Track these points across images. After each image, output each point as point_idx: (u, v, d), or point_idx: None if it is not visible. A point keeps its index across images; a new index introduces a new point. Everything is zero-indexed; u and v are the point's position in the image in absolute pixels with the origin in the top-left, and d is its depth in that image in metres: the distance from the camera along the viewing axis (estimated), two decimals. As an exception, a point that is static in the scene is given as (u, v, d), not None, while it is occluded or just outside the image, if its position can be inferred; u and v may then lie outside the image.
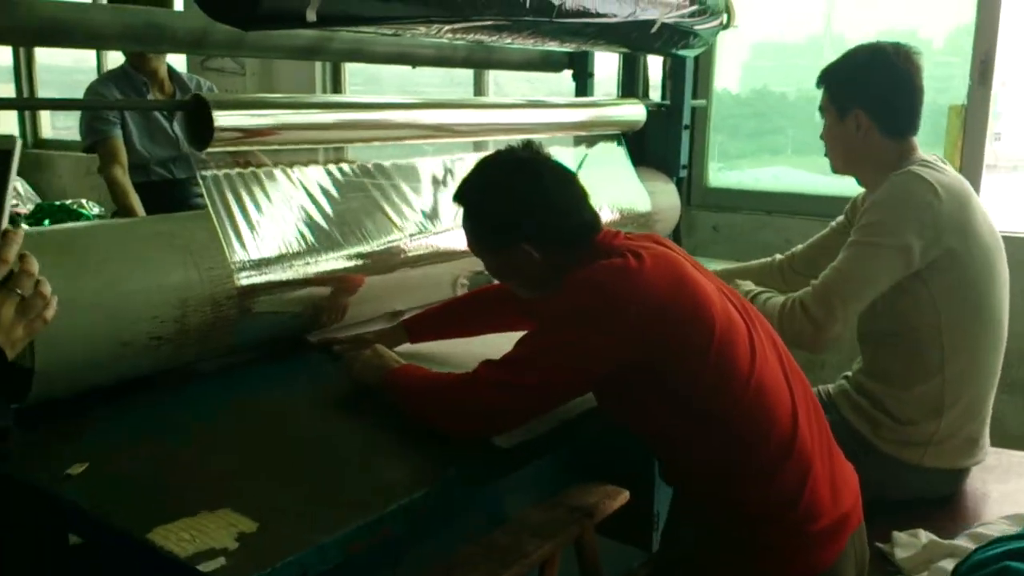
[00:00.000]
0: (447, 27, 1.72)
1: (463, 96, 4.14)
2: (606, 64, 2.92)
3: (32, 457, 1.27)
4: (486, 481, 1.38)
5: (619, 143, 2.61)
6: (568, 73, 2.86)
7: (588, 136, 2.53)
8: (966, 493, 1.85)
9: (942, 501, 1.81)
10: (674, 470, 1.44)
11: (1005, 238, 1.87)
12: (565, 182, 1.45)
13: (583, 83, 2.84)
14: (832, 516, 1.30)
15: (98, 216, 4.42)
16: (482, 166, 1.47)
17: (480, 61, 2.56)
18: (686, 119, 2.71)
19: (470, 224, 1.46)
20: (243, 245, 1.57)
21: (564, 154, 2.48)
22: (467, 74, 4.07)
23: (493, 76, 3.93)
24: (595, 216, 1.46)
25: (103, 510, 1.12)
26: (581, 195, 1.46)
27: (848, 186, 2.11)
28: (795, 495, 1.28)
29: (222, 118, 1.50)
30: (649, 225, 2.59)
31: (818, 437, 1.35)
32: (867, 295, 1.75)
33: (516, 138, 2.28)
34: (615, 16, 2.04)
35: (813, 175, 3.51)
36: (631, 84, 2.79)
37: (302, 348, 1.77)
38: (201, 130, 1.52)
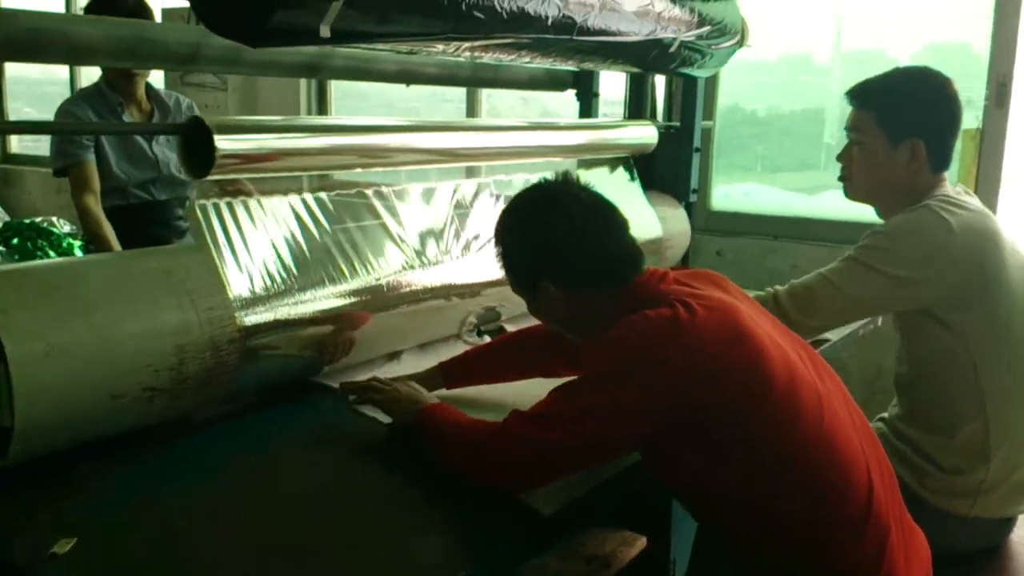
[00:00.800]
0: (466, 45, 1.60)
1: (454, 113, 4.02)
2: (610, 84, 2.81)
3: (10, 530, 1.12)
4: (532, 555, 1.25)
5: (628, 166, 2.50)
6: (564, 91, 2.77)
7: (597, 159, 2.41)
8: (1011, 543, 1.74)
9: (986, 553, 1.71)
10: (736, 539, 1.31)
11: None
12: (596, 216, 1.33)
13: (588, 103, 2.73)
14: None
15: (69, 235, 4.22)
16: (512, 201, 1.38)
17: (486, 80, 2.43)
18: (697, 141, 2.60)
19: (500, 262, 1.38)
20: (245, 281, 1.43)
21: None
22: (458, 91, 3.95)
23: (486, 93, 3.81)
24: (633, 253, 1.33)
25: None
26: (616, 230, 1.34)
27: (849, 211, 2.03)
28: (874, 566, 1.16)
29: (224, 143, 1.36)
30: (660, 252, 2.48)
31: (892, 498, 1.24)
32: (848, 311, 1.74)
33: (527, 162, 2.18)
34: (635, 35, 1.93)
35: (785, 192, 3.49)
36: (639, 105, 2.68)
37: (304, 389, 1.62)
38: (199, 155, 1.38)
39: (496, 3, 1.51)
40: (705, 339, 1.15)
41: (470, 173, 2.16)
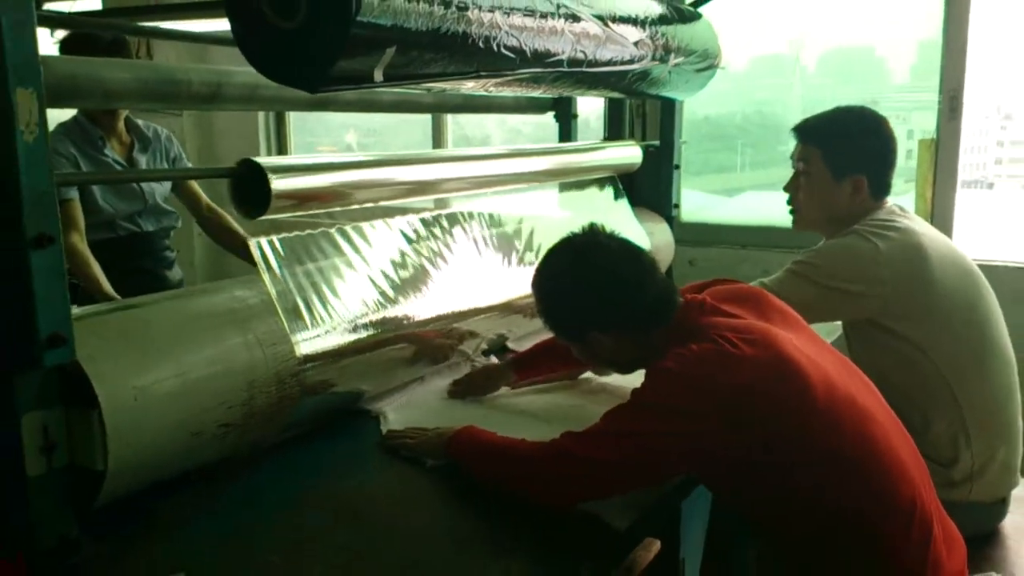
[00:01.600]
0: (492, 80, 1.68)
1: (419, 135, 4.08)
2: (584, 103, 2.92)
3: (114, 570, 1.15)
4: (612, 569, 1.32)
5: (615, 185, 2.60)
6: (545, 113, 2.88)
7: (587, 180, 2.51)
8: (1005, 528, 1.88)
9: (984, 539, 1.84)
10: (793, 541, 1.39)
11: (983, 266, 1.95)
12: (629, 262, 1.42)
13: (567, 125, 2.84)
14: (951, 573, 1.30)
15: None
16: (545, 260, 1.47)
17: (478, 107, 2.52)
18: (676, 159, 2.73)
19: (544, 316, 1.47)
20: (301, 316, 1.47)
21: (563, 198, 2.46)
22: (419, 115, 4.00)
23: (451, 117, 3.87)
24: (669, 290, 1.43)
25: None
26: (650, 271, 1.43)
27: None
28: (921, 558, 1.27)
29: (279, 183, 1.40)
30: (648, 266, 2.59)
31: (930, 493, 1.35)
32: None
33: (521, 187, 2.26)
34: (634, 64, 2.04)
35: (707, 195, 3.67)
36: (618, 126, 2.79)
37: (350, 415, 1.67)
38: (252, 196, 1.42)
39: (521, 43, 1.60)
40: (747, 371, 1.24)
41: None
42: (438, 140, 3.85)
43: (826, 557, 1.33)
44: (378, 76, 1.38)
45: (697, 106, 3.61)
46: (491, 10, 1.50)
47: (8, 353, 1.11)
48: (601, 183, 2.55)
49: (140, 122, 2.79)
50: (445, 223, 1.94)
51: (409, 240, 1.80)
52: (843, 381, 1.33)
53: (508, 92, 2.00)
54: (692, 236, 3.38)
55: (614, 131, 2.80)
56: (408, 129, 4.42)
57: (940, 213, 2.77)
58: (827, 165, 1.91)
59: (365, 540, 1.24)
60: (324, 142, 4.87)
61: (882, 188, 1.92)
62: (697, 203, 3.63)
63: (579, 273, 1.40)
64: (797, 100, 3.54)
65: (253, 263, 2.52)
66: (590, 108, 3.01)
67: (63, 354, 1.12)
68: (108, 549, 1.19)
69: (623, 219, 2.55)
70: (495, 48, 1.53)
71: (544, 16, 1.65)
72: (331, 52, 1.25)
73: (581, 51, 1.79)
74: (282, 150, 4.16)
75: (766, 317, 1.41)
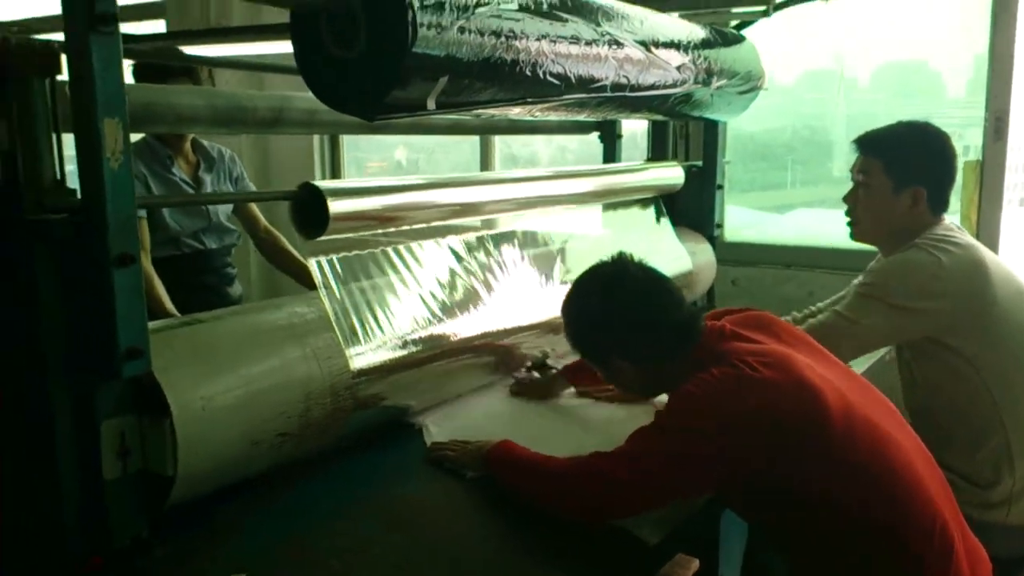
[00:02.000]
0: (538, 106, 1.75)
1: (467, 153, 4.17)
2: (629, 122, 2.98)
3: (181, 569, 1.22)
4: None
5: (658, 205, 2.65)
6: (589, 134, 2.95)
7: (625, 200, 2.57)
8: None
9: (1021, 562, 1.84)
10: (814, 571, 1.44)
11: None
12: (653, 292, 1.48)
13: (611, 145, 2.90)
14: None
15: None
16: (574, 288, 1.55)
17: (524, 128, 2.59)
18: (719, 179, 2.77)
19: (569, 342, 1.55)
20: (355, 332, 1.55)
21: (606, 218, 2.52)
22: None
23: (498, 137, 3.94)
24: (692, 318, 1.48)
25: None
26: (674, 300, 1.48)
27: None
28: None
29: (336, 206, 1.48)
30: (690, 285, 2.63)
31: (953, 511, 1.37)
32: (864, 341, 1.90)
33: (571, 207, 2.32)
34: (676, 88, 2.09)
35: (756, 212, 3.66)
36: (662, 146, 2.84)
37: (396, 428, 1.74)
38: (312, 218, 1.50)
39: (566, 70, 1.67)
40: (766, 393, 1.29)
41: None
42: (486, 158, 3.92)
43: (848, 570, 1.36)
44: (431, 104, 1.46)
45: (746, 123, 3.64)
46: (538, 39, 1.56)
47: (90, 364, 1.20)
48: (644, 203, 2.60)
49: (205, 142, 2.91)
50: (491, 243, 2.00)
51: (458, 258, 1.87)
52: (861, 403, 1.36)
53: (554, 116, 2.07)
54: (735, 255, 3.40)
55: (658, 151, 2.85)
56: (457, 147, 4.51)
57: (986, 236, 2.76)
58: (888, 176, 1.94)
59: (413, 546, 1.31)
60: (374, 158, 4.99)
61: (941, 203, 1.94)
62: (746, 220, 3.64)
63: (604, 302, 1.46)
64: (845, 115, 3.53)
65: (302, 283, 2.64)
66: (636, 125, 3.06)
67: (140, 366, 1.21)
68: (175, 550, 1.27)
69: (664, 239, 2.60)
70: (541, 75, 1.60)
71: (589, 43, 1.71)
72: (387, 82, 1.33)
73: (624, 76, 1.85)
74: (336, 170, 4.27)
75: (784, 342, 1.45)
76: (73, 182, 1.23)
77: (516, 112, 1.76)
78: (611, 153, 2.91)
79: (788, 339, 1.47)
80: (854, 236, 2.05)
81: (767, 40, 2.55)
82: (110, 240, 1.15)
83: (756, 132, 3.73)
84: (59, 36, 1.20)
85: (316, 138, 4.32)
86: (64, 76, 1.19)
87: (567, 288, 1.57)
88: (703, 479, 1.35)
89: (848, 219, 2.04)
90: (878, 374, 2.21)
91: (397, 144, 4.77)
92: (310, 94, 1.38)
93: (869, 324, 1.86)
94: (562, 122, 2.70)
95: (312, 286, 1.55)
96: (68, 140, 1.23)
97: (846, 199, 2.03)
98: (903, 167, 1.93)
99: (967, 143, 3.21)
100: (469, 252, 1.92)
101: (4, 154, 1.23)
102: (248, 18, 4.48)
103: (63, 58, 1.19)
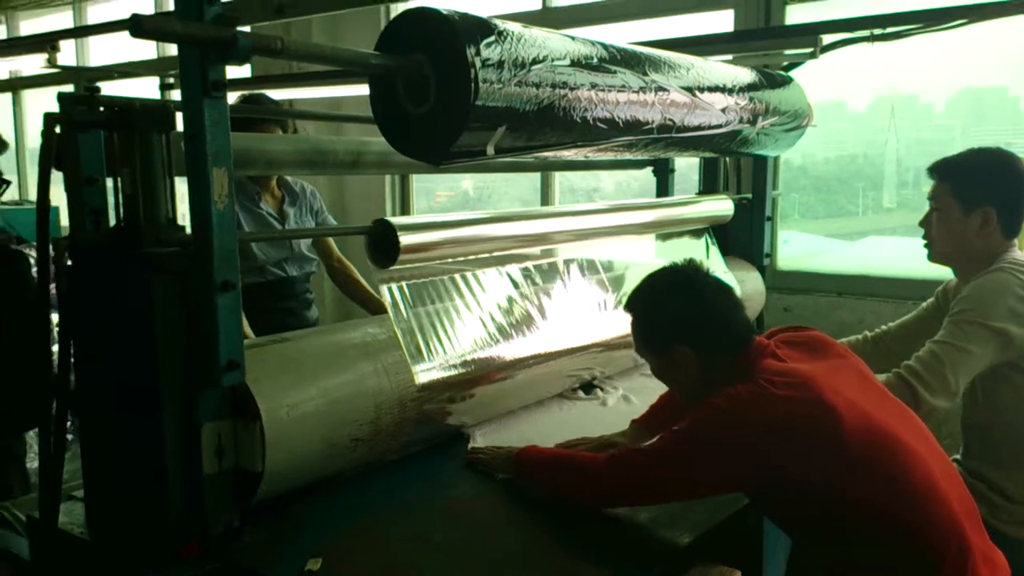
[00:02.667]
0: (587, 148, 1.92)
1: (528, 184, 4.36)
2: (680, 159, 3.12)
3: (267, 554, 1.42)
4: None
5: (708, 236, 2.79)
6: (644, 168, 3.11)
7: (676, 231, 2.71)
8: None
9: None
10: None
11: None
12: (722, 293, 1.62)
13: (664, 179, 3.06)
14: None
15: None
16: (651, 280, 1.67)
17: (579, 165, 2.76)
18: (768, 210, 2.89)
19: (640, 329, 1.65)
20: (420, 351, 1.74)
21: (658, 248, 2.67)
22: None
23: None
24: (747, 327, 1.61)
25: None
26: (737, 306, 1.62)
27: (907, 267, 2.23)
28: None
29: (405, 239, 1.67)
30: (739, 312, 2.74)
31: (974, 524, 1.47)
32: (972, 367, 1.90)
33: (626, 237, 2.48)
34: (721, 128, 2.24)
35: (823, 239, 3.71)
36: (713, 180, 2.98)
37: (449, 437, 1.93)
38: (383, 249, 1.69)
39: (614, 115, 1.83)
40: (782, 410, 1.42)
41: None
42: (545, 191, 4.12)
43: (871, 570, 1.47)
44: (490, 151, 1.64)
45: (817, 149, 3.72)
46: (589, 89, 1.73)
47: (194, 375, 1.41)
48: (695, 234, 2.74)
49: (289, 178, 3.17)
50: (547, 270, 2.18)
51: (516, 285, 2.05)
52: (884, 418, 1.47)
53: (606, 156, 2.24)
54: (788, 283, 3.50)
55: (709, 184, 2.99)
56: (518, 179, 4.71)
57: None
58: (956, 199, 2.03)
59: (468, 538, 1.48)
60: (442, 188, 5.23)
61: (1013, 225, 2.01)
62: (815, 247, 3.71)
63: (679, 291, 1.61)
64: (916, 141, 3.55)
65: (368, 310, 2.86)
66: (690, 160, 3.20)
67: (237, 376, 1.42)
68: (261, 538, 1.47)
69: (714, 268, 2.72)
70: (590, 121, 1.77)
71: (636, 91, 1.87)
72: (453, 131, 1.51)
73: (669, 119, 2.01)
74: (405, 203, 4.51)
75: (831, 362, 1.57)
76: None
77: (570, 155, 1.94)
78: (664, 186, 3.06)
79: (836, 360, 1.58)
80: (930, 257, 2.14)
81: (841, 65, 2.60)
82: (216, 269, 1.37)
83: (829, 157, 3.80)
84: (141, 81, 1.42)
85: (388, 177, 4.58)
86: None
87: (617, 313, 1.71)
88: (717, 482, 1.49)
89: (924, 242, 2.14)
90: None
91: (464, 176, 5.00)
92: (382, 139, 1.57)
93: (978, 351, 1.89)
94: (615, 160, 2.86)
95: (377, 312, 1.75)
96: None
97: (922, 223, 2.13)
98: (971, 190, 2.01)
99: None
100: (526, 279, 2.09)
101: (127, 197, 1.46)
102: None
103: (178, 116, 1.42)
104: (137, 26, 1.15)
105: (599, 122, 1.80)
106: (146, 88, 5.75)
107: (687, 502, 1.58)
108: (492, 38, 1.48)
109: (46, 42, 3.59)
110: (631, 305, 1.66)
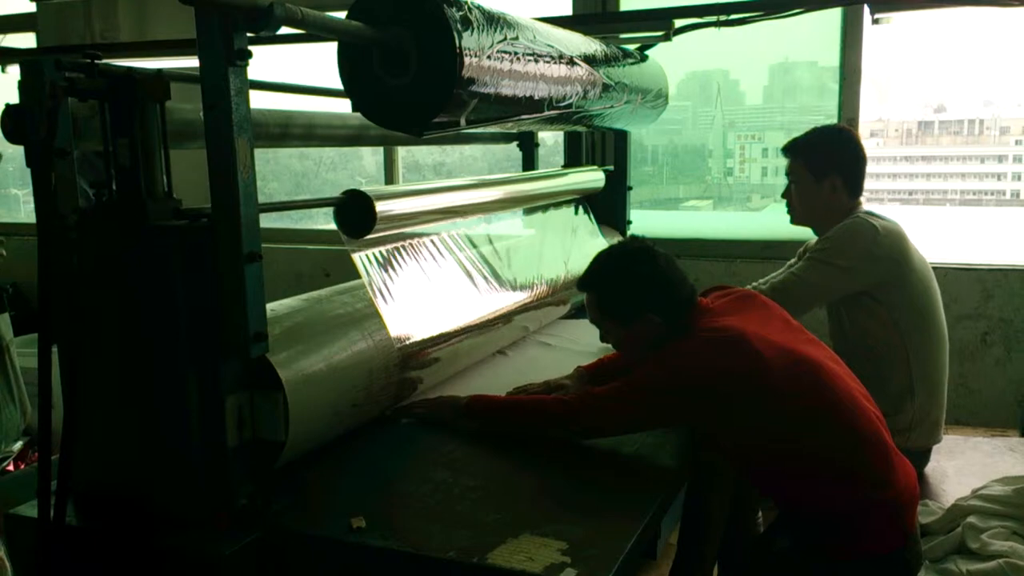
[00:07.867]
0: (528, 119, 2.03)
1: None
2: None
3: (303, 520, 1.44)
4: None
5: (584, 205, 3.01)
6: (511, 143, 3.27)
7: (561, 201, 2.91)
8: (928, 471, 2.38)
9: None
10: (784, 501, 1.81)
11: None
12: (671, 263, 1.82)
13: (529, 153, 3.22)
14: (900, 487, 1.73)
15: None
16: (605, 257, 1.84)
17: (461, 139, 2.87)
18: (629, 180, 3.17)
19: (603, 303, 1.81)
20: (397, 314, 1.79)
21: (545, 217, 2.85)
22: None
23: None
24: (693, 291, 1.83)
25: (423, 550, 1.33)
26: (683, 273, 1.83)
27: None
28: (885, 478, 1.70)
29: (381, 207, 1.72)
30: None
31: (886, 429, 1.79)
32: (813, 300, 2.31)
33: (515, 209, 2.62)
34: (611, 107, 2.46)
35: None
36: (576, 153, 3.20)
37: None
38: (355, 220, 1.73)
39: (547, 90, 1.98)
40: (711, 354, 1.65)
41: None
42: (390, 166, 4.17)
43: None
44: (463, 123, 1.73)
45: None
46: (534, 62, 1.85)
47: (220, 347, 1.40)
48: (575, 204, 2.96)
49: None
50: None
51: (461, 248, 2.15)
52: (809, 352, 1.74)
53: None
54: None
55: (573, 157, 3.21)
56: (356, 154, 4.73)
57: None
58: (808, 171, 2.39)
59: (485, 485, 1.57)
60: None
61: (857, 187, 2.39)
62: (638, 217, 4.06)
63: (641, 263, 1.78)
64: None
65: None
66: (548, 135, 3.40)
67: (263, 347, 1.42)
68: (289, 505, 1.48)
69: (592, 233, 2.96)
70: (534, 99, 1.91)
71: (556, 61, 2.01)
72: (431, 108, 1.58)
73: (557, 93, 2.14)
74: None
75: (752, 310, 1.83)
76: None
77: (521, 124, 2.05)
78: (529, 159, 3.22)
79: (762, 310, 1.84)
80: (793, 221, 2.50)
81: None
82: (243, 240, 1.36)
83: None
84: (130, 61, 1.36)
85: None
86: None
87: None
88: (676, 420, 1.74)
89: (787, 208, 2.50)
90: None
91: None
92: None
93: (815, 282, 2.27)
94: (493, 134, 3.00)
95: None
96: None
97: (784, 195, 2.49)
98: (819, 161, 2.38)
99: (765, 144, 3.88)
100: (456, 247, 2.19)
101: (123, 169, 1.41)
102: (136, 33, 4.48)
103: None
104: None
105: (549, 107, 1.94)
106: None
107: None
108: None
109: None
110: (589, 283, 1.82)
